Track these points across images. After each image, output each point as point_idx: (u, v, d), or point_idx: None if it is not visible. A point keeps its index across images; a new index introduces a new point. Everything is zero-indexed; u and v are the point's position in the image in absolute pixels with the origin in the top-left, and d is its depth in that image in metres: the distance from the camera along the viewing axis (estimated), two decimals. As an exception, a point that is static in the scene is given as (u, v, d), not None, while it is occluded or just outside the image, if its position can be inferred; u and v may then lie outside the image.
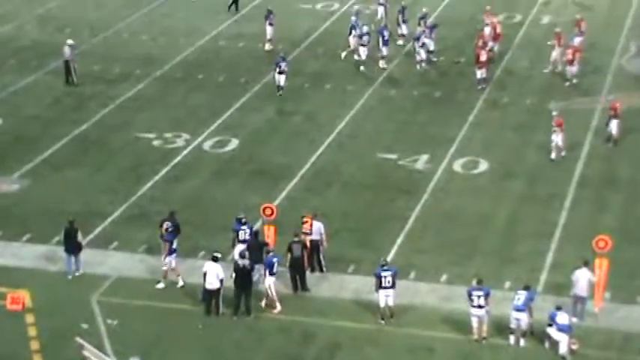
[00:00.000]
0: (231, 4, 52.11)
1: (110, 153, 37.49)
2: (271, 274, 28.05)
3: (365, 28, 44.69)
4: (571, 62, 42.20)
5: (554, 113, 37.08)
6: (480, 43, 43.68)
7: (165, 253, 29.04)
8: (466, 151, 37.43)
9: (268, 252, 28.53)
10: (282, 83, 41.36)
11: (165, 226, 29.54)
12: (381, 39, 44.22)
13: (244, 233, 29.34)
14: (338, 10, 52.49)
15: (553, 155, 36.33)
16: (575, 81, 42.22)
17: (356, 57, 44.92)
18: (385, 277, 27.32)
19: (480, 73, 42.33)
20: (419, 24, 45.93)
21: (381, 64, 44.32)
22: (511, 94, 42.28)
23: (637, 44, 47.29)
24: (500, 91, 42.44)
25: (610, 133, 37.53)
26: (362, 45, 44.20)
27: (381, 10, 50.04)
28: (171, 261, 29.03)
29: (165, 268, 29.09)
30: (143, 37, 48.72)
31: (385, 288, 27.35)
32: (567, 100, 41.43)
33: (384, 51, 44.33)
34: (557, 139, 36.20)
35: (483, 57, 42.41)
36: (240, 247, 28.87)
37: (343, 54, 45.53)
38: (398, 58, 45.37)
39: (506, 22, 49.54)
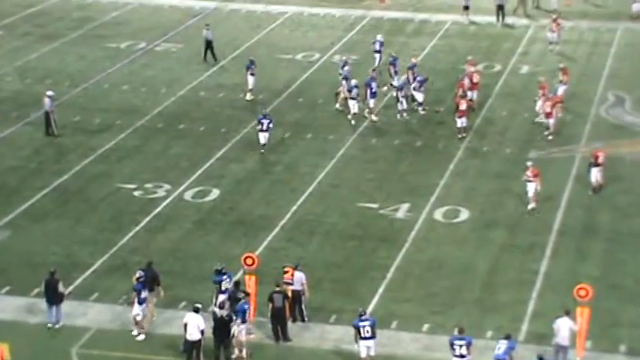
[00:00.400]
0: (205, 53, 52.28)
1: (91, 204, 37.38)
2: (243, 321, 27.89)
3: (354, 82, 44.43)
4: (549, 115, 42.27)
5: (529, 164, 37.05)
6: (460, 92, 43.96)
7: (133, 303, 28.86)
8: (447, 199, 37.50)
9: (239, 299, 28.38)
10: (264, 141, 41.02)
11: (137, 274, 29.40)
12: (368, 91, 44.16)
13: (227, 283, 29.25)
14: (318, 60, 52.76)
15: (533, 205, 36.38)
16: (550, 137, 42.19)
17: (338, 105, 45.00)
18: (364, 327, 27.20)
19: (460, 122, 42.54)
20: (407, 74, 46.19)
21: (367, 115, 44.14)
22: (491, 142, 42.48)
23: (614, 94, 47.69)
24: (480, 140, 42.63)
25: (590, 181, 37.72)
26: (352, 99, 43.95)
27: (377, 57, 50.41)
28: (142, 311, 28.85)
29: (139, 318, 28.91)
30: (124, 88, 48.80)
31: (365, 338, 27.21)
32: (547, 149, 41.65)
33: (371, 103, 44.25)
34: (532, 189, 36.25)
35: (463, 106, 42.64)
36: (222, 298, 28.75)
37: (337, 105, 45.43)
38: (378, 107, 45.46)
39: (485, 72, 49.90)
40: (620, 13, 59.89)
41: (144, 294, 28.91)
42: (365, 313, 27.71)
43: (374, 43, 51.29)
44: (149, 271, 29.84)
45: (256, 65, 47.23)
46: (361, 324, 27.22)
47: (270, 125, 40.94)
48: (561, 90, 45.14)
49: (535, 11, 60.87)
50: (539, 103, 43.75)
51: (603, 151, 38.32)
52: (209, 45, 52.27)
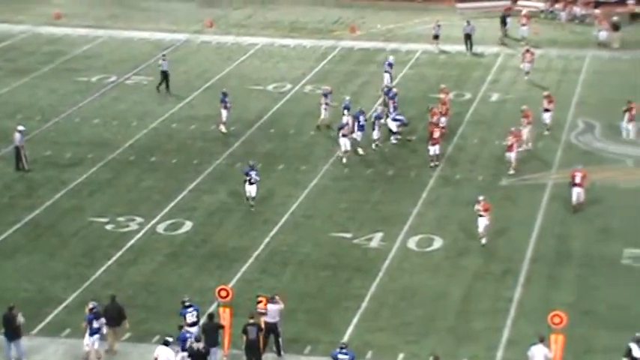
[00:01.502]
0: (166, 84, 52.39)
1: (63, 238, 37.15)
2: (184, 349, 27.80)
3: (345, 119, 43.92)
4: (510, 148, 42.00)
5: (480, 198, 36.39)
6: (435, 119, 44.15)
7: (84, 333, 28.77)
8: (420, 228, 37.55)
9: (181, 327, 28.35)
10: (253, 194, 38.67)
11: (89, 305, 29.24)
12: (356, 124, 43.92)
13: (192, 316, 29.12)
14: (290, 90, 52.89)
15: (484, 240, 36.09)
16: (511, 172, 41.87)
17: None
18: None
19: (432, 150, 42.64)
20: (385, 103, 46.30)
21: (358, 150, 43.90)
22: (463, 170, 42.63)
23: (584, 121, 48.01)
24: (452, 168, 42.78)
25: (571, 200, 38.43)
26: (343, 135, 43.08)
27: (387, 76, 51.24)
28: (94, 342, 28.76)
29: (87, 349, 28.76)
30: (95, 121, 48.68)
31: None
32: (518, 175, 41.81)
33: (359, 137, 43.98)
34: (482, 224, 35.81)
35: (436, 134, 42.78)
36: (193, 330, 28.67)
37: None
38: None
39: (456, 100, 50.22)
40: (588, 40, 60.53)
41: (96, 324, 28.77)
42: (346, 347, 27.52)
43: (384, 63, 52.18)
44: (113, 304, 29.75)
45: (229, 97, 47.18)
46: (340, 357, 27.07)
47: (258, 178, 38.98)
48: (546, 116, 45.59)
49: (504, 39, 61.43)
50: (525, 131, 43.87)
51: (581, 172, 38.68)
52: (165, 75, 52.39)
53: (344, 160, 43.22)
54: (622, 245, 35.99)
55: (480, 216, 35.95)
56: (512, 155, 41.95)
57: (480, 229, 35.91)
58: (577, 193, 38.38)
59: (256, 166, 39.31)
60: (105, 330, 29.14)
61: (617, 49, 59.14)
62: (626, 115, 45.75)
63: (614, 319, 31.30)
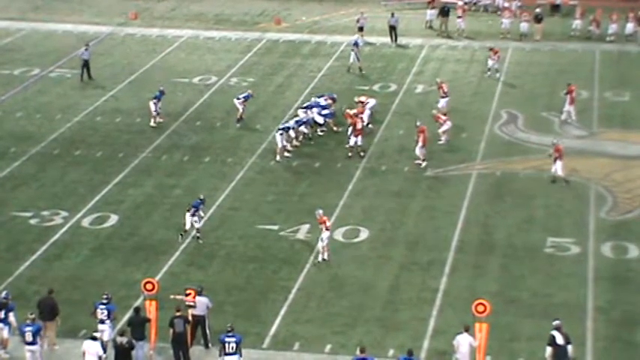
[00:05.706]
0: (82, 74, 52.17)
1: (-15, 233, 36.72)
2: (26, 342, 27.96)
3: (291, 122, 43.42)
4: (424, 143, 41.91)
5: (319, 211, 35.20)
6: (350, 120, 44.05)
7: None
8: (347, 219, 37.72)
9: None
10: (197, 225, 35.74)
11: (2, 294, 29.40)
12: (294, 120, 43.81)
13: (101, 313, 28.98)
14: (215, 83, 52.74)
15: (325, 256, 34.73)
16: (423, 164, 41.97)
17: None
18: (229, 343, 27.31)
19: (353, 141, 42.73)
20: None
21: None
22: (389, 161, 42.89)
23: (507, 111, 48.61)
24: (378, 160, 43.01)
25: (554, 173, 40.05)
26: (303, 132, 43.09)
27: (352, 55, 53.72)
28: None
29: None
30: (18, 115, 48.07)
31: (229, 354, 27.26)
32: (444, 166, 42.22)
33: (292, 133, 43.37)
34: (325, 238, 34.65)
35: (359, 125, 42.94)
36: (99, 327, 28.72)
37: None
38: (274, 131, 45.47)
39: (381, 92, 50.52)
40: (510, 32, 61.06)
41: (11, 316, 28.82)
42: (232, 329, 27.65)
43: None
44: (46, 298, 29.55)
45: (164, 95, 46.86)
46: (227, 339, 27.29)
47: (202, 214, 36.23)
48: (442, 102, 46.30)
49: (428, 31, 61.95)
50: (444, 126, 44.16)
51: (562, 145, 40.78)
52: (86, 64, 52.12)
53: (286, 155, 42.91)
54: (545, 234, 36.56)
55: (325, 229, 34.56)
56: (422, 152, 41.91)
57: (324, 244, 34.55)
58: (560, 166, 40.12)
59: (205, 201, 36.74)
60: (13, 320, 29.02)
61: (538, 40, 59.92)
62: (567, 98, 46.50)
63: (538, 307, 31.79)
